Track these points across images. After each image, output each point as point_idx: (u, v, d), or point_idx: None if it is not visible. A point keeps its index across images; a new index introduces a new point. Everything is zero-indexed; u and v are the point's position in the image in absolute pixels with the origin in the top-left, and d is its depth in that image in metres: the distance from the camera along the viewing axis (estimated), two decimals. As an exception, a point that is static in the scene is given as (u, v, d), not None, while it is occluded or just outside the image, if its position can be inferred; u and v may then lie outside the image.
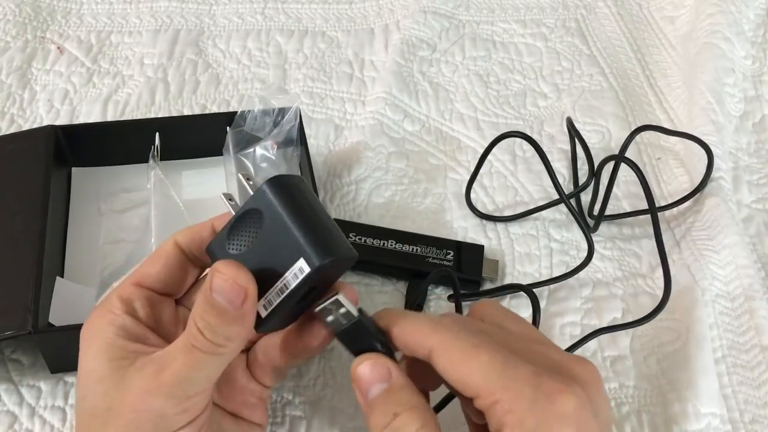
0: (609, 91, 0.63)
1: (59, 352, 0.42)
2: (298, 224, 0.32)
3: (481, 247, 0.50)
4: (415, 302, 0.47)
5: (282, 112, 0.52)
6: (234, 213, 0.33)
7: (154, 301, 0.35)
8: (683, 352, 0.45)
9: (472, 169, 0.55)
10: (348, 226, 0.50)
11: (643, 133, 0.60)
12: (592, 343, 0.46)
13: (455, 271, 0.48)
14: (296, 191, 0.33)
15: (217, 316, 0.31)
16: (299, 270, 0.32)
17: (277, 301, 0.32)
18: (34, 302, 0.41)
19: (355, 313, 0.33)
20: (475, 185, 0.55)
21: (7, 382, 0.43)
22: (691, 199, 0.53)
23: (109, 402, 0.31)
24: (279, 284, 0.32)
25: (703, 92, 0.60)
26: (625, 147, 0.52)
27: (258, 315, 0.33)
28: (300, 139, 0.52)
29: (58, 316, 0.42)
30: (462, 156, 0.57)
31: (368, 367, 0.32)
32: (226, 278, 0.31)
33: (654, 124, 0.59)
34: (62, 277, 0.46)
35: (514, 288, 0.47)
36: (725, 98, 0.60)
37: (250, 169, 0.52)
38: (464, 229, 0.53)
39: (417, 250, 0.49)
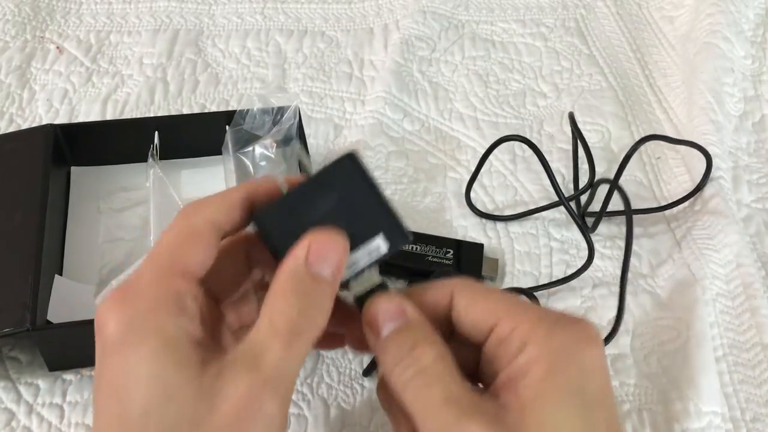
0: (608, 90, 0.63)
1: (57, 349, 0.42)
2: (380, 203, 0.31)
3: (480, 246, 0.50)
4: None
5: (281, 110, 0.52)
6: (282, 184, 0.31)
7: (197, 294, 0.30)
8: (684, 350, 0.45)
9: (472, 168, 0.55)
10: None
11: (642, 133, 0.60)
12: (592, 342, 0.46)
13: (455, 270, 0.48)
14: (368, 169, 0.31)
15: (320, 290, 0.29)
16: (376, 249, 0.31)
17: (345, 277, 0.31)
18: (33, 300, 0.40)
19: (377, 279, 0.32)
20: (474, 184, 0.55)
21: (5, 380, 0.43)
22: (690, 200, 0.53)
23: (194, 416, 0.26)
24: (348, 261, 0.31)
25: (702, 92, 0.60)
26: (626, 160, 0.52)
27: None
28: (299, 138, 0.52)
29: (56, 314, 0.41)
30: (461, 155, 0.57)
31: (382, 305, 0.31)
32: (331, 243, 0.29)
33: (656, 129, 0.59)
34: (61, 275, 0.46)
35: (514, 291, 0.47)
36: (725, 98, 0.60)
37: (249, 168, 0.52)
38: (464, 228, 0.52)
39: (417, 248, 0.49)
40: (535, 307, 0.31)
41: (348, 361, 0.44)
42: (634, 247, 0.52)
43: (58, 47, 0.64)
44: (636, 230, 0.53)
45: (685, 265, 0.50)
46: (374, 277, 0.32)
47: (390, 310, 0.31)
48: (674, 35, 0.68)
